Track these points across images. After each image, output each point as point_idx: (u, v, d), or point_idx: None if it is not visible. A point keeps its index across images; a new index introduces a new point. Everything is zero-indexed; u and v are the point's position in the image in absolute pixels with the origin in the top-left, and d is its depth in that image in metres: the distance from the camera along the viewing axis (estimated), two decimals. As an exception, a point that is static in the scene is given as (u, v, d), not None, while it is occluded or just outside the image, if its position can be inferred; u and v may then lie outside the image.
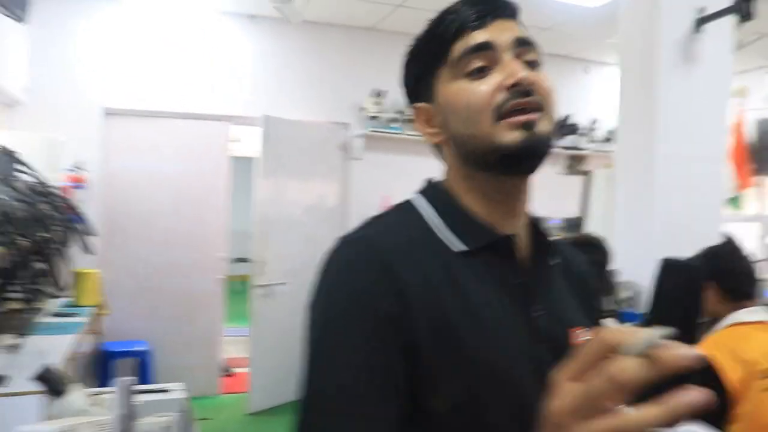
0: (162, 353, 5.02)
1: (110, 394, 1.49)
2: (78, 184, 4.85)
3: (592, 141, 6.64)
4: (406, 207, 0.95)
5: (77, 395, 1.39)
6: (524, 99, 0.84)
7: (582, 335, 0.90)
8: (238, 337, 6.65)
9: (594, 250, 1.89)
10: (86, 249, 4.29)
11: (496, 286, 0.87)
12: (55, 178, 4.20)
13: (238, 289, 10.33)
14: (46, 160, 4.30)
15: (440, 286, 0.83)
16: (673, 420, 0.47)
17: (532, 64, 0.89)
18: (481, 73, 0.87)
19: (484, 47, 0.87)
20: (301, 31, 5.56)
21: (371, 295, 0.80)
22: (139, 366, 4.61)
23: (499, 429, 0.81)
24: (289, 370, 5.21)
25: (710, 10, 3.17)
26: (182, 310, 5.26)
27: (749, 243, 6.09)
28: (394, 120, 5.76)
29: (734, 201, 6.44)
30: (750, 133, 6.52)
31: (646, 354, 0.47)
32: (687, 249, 2.42)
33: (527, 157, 0.85)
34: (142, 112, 5.22)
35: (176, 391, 1.67)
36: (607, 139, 6.49)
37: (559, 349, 0.82)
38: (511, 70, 0.85)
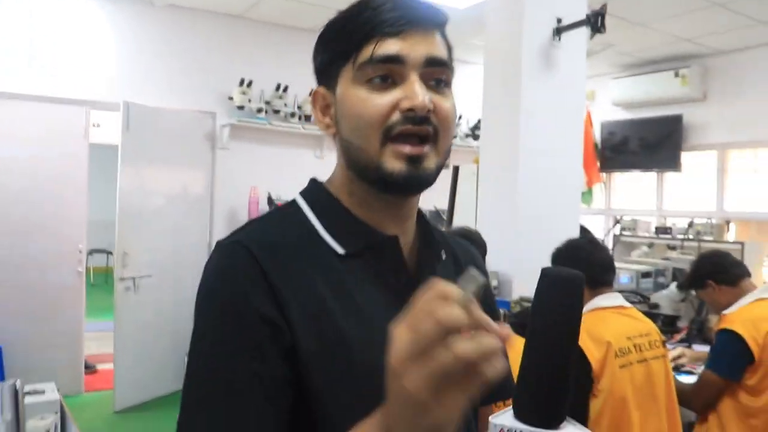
0: (19, 351, 4.68)
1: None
2: None
3: (455, 136, 6.92)
4: (290, 208, 0.93)
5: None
6: (416, 126, 0.82)
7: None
8: (101, 332, 6.32)
9: (472, 243, 2.00)
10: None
11: (380, 287, 0.87)
12: None
13: (100, 282, 9.82)
14: None
15: (322, 290, 0.82)
16: (487, 352, 0.54)
17: (440, 84, 0.87)
18: (383, 83, 0.84)
19: (393, 60, 0.83)
20: (167, 15, 5.38)
21: (246, 301, 0.78)
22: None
23: None
24: (156, 365, 5.06)
25: (567, 21, 3.42)
26: (40, 305, 4.91)
27: (598, 234, 6.64)
28: (261, 110, 5.70)
29: (584, 195, 6.94)
30: (596, 133, 7.06)
31: (466, 303, 0.55)
32: (547, 240, 2.61)
33: (406, 189, 0.86)
34: (-10, 92, 4.82)
35: (50, 392, 1.60)
36: (472, 135, 6.80)
37: None
38: (411, 92, 0.82)
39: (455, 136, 6.85)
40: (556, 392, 0.68)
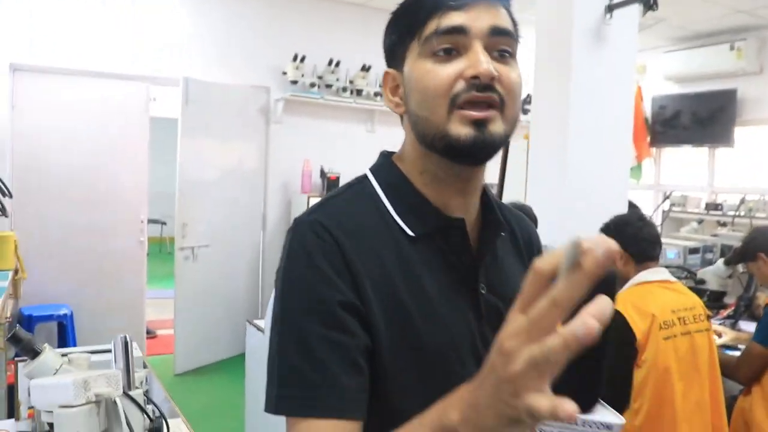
0: (84, 317, 4.96)
1: (77, 354, 1.57)
2: (-15, 143, 4.68)
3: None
4: (360, 186, 0.96)
5: (50, 355, 1.46)
6: (482, 93, 0.84)
7: None
8: (157, 299, 6.61)
9: (526, 217, 2.10)
10: (2, 211, 4.19)
11: (444, 267, 0.91)
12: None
13: (154, 251, 10.17)
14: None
15: (394, 273, 0.87)
16: (587, 334, 0.50)
17: (504, 54, 0.88)
18: (448, 55, 0.85)
19: (457, 30, 0.85)
20: (223, -8, 5.51)
21: (332, 284, 0.83)
22: (62, 330, 4.59)
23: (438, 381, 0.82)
24: (213, 331, 5.29)
25: (619, -3, 3.42)
26: (105, 272, 5.18)
27: (647, 210, 6.61)
28: (314, 85, 5.82)
29: (633, 171, 6.90)
30: (646, 108, 6.99)
31: (573, 267, 0.51)
32: (596, 215, 2.67)
33: (474, 154, 0.87)
34: (54, 69, 5.03)
35: (136, 350, 1.76)
36: (522, 110, 6.81)
37: (503, 322, 0.93)
38: (475, 60, 0.84)
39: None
40: (591, 379, 0.69)
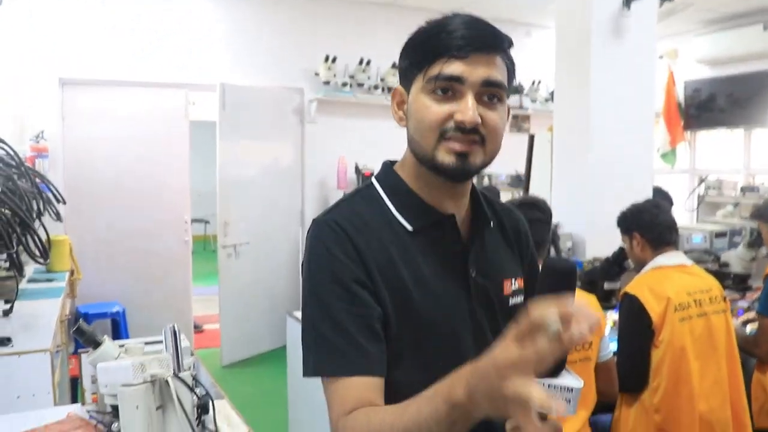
0: (135, 313, 5.23)
1: (133, 344, 1.76)
2: (40, 153, 4.96)
3: (535, 101, 7.00)
4: (367, 191, 1.15)
5: (110, 345, 1.65)
6: (465, 135, 1.02)
7: (510, 285, 1.18)
8: (203, 295, 6.88)
9: (537, 210, 2.22)
10: (57, 217, 4.46)
11: (440, 257, 1.10)
12: (20, 149, 4.31)
13: (198, 249, 10.48)
14: (11, 132, 4.42)
15: (396, 260, 1.05)
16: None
17: (492, 99, 1.04)
18: (444, 95, 1.02)
19: (455, 79, 1.01)
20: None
21: (344, 267, 1.02)
22: (115, 326, 4.85)
23: (442, 377, 0.90)
24: (257, 324, 5.52)
25: (638, -12, 3.50)
26: (152, 271, 5.47)
27: (682, 194, 6.61)
28: (346, 84, 6.00)
29: (667, 156, 6.90)
30: (680, 92, 6.96)
31: (557, 334, 0.67)
32: (619, 202, 2.77)
33: (454, 177, 1.07)
34: (99, 81, 5.31)
35: (184, 340, 1.95)
36: (551, 98, 6.86)
37: (491, 301, 1.14)
38: (465, 108, 1.00)
39: (534, 101, 6.96)
40: None
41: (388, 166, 1.18)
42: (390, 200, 1.12)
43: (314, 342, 1.03)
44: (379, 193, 1.14)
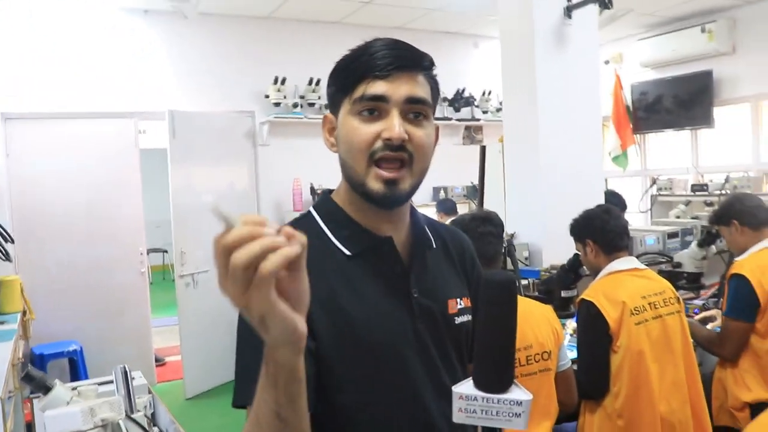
0: (93, 350, 5.09)
1: (86, 386, 1.71)
2: (-16, 192, 4.83)
3: (486, 111, 7.08)
4: (305, 220, 1.14)
5: (61, 390, 1.59)
6: (393, 153, 1.04)
7: (456, 305, 1.18)
8: (164, 327, 6.74)
9: (490, 224, 2.23)
10: (6, 256, 4.33)
11: (381, 280, 1.09)
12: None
13: (158, 280, 10.31)
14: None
15: (336, 287, 1.05)
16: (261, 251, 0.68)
17: (418, 116, 1.07)
18: (371, 116, 1.05)
19: (379, 98, 1.04)
20: (198, 24, 5.66)
21: None
22: (73, 365, 4.72)
23: (389, 396, 1.04)
24: (219, 353, 5.41)
25: (576, -2, 3.57)
26: (109, 305, 5.33)
27: (636, 195, 6.73)
28: (297, 105, 5.98)
29: (619, 159, 7.02)
30: (627, 95, 7.11)
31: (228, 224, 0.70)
32: (573, 209, 2.79)
33: (385, 204, 1.08)
34: (44, 114, 5.19)
35: (139, 378, 1.90)
36: (501, 109, 6.94)
37: (436, 320, 1.13)
38: (391, 125, 1.03)
39: (486, 112, 7.03)
40: (501, 366, 0.90)
41: (326, 194, 1.19)
42: (327, 227, 1.13)
43: (236, 371, 1.05)
44: (316, 220, 1.14)
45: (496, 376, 0.90)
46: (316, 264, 1.02)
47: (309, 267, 1.00)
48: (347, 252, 1.10)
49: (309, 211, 1.17)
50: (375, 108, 1.05)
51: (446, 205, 5.69)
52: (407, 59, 1.07)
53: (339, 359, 1.03)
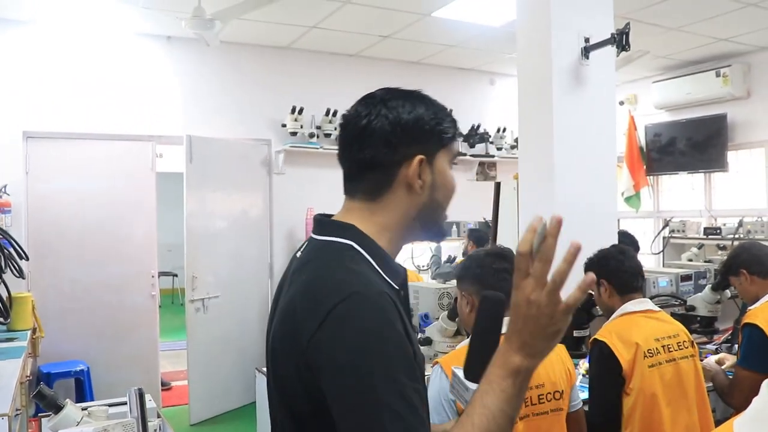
0: (100, 371, 5.09)
1: (96, 407, 1.71)
2: (2, 208, 4.87)
3: (500, 148, 7.11)
4: (351, 252, 1.12)
5: (72, 409, 1.60)
6: None
7: None
8: (171, 351, 6.73)
9: (505, 261, 2.22)
10: (19, 273, 4.36)
11: (408, 311, 1.18)
12: (-19, 204, 4.25)
13: (167, 303, 10.31)
14: (-28, 187, 4.34)
15: (402, 316, 1.07)
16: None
17: None
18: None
19: (460, 155, 1.27)
20: (219, 51, 5.73)
21: (406, 343, 1.04)
22: (79, 385, 4.72)
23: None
24: (226, 380, 5.40)
25: (595, 38, 3.60)
26: (118, 327, 5.34)
27: (648, 237, 6.71)
28: (313, 135, 6.03)
29: (631, 200, 7.02)
30: (641, 136, 7.14)
31: (542, 240, 0.98)
32: (586, 249, 2.78)
33: (444, 237, 1.31)
34: (64, 134, 5.27)
35: (149, 401, 1.90)
36: (515, 146, 6.97)
37: None
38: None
39: (500, 148, 7.08)
40: (488, 364, 1.07)
41: (353, 228, 1.16)
42: (374, 261, 1.12)
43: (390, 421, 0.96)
44: (364, 255, 1.13)
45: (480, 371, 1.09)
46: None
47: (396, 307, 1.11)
48: (396, 286, 1.13)
49: (350, 245, 1.14)
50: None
51: (476, 235, 5.65)
52: None
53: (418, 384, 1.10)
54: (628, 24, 3.38)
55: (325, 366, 1.00)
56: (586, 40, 3.60)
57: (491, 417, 0.97)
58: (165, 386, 5.97)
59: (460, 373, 1.21)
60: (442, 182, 1.19)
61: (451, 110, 1.24)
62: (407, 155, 1.15)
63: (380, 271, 1.11)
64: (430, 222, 1.21)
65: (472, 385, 1.12)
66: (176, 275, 10.83)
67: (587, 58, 3.63)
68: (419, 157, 1.15)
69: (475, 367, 1.12)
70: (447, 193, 1.21)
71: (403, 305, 1.13)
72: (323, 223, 1.21)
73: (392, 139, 1.15)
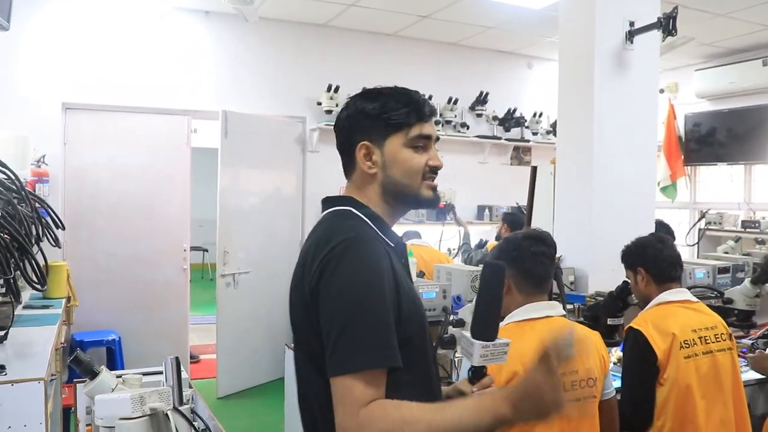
0: (131, 342, 5.18)
1: (130, 375, 1.72)
2: (41, 178, 4.94)
3: (536, 133, 7.03)
4: (350, 214, 1.40)
5: (107, 376, 1.62)
6: (434, 174, 1.46)
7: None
8: (200, 325, 6.81)
9: (543, 244, 2.18)
10: (56, 242, 4.42)
11: (405, 268, 1.44)
12: (21, 173, 4.30)
13: (196, 278, 10.43)
14: (13, 156, 4.40)
15: (394, 264, 1.35)
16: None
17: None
18: (420, 149, 1.42)
19: (428, 137, 1.43)
20: (257, 27, 5.73)
21: (388, 280, 1.28)
22: (110, 354, 4.80)
23: (426, 342, 1.43)
24: (254, 355, 5.45)
25: (640, 23, 3.52)
26: (149, 299, 5.42)
27: (682, 228, 6.59)
28: (349, 113, 6.00)
29: (667, 190, 6.90)
30: (680, 126, 6.99)
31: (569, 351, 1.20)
32: (621, 237, 2.74)
33: (435, 204, 1.49)
34: (102, 106, 5.33)
35: (183, 372, 1.91)
36: (553, 131, 6.88)
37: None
38: (434, 156, 1.45)
39: (536, 133, 7.00)
40: (489, 323, 1.39)
41: (352, 200, 1.44)
42: (373, 224, 1.40)
43: (361, 338, 1.21)
44: (364, 219, 1.39)
45: (487, 330, 1.39)
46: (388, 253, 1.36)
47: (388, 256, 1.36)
48: (391, 243, 1.41)
49: (347, 210, 1.41)
50: (423, 144, 1.43)
51: (511, 218, 5.54)
52: (434, 109, 1.51)
53: (409, 319, 1.32)
54: (675, 8, 3.29)
55: (323, 290, 1.26)
56: (631, 24, 3.53)
57: (458, 422, 1.18)
58: (193, 359, 6.05)
59: (467, 333, 1.40)
60: (393, 162, 1.41)
61: (423, 97, 1.46)
62: (354, 142, 1.43)
63: (376, 229, 1.39)
64: (398, 194, 1.43)
65: (477, 342, 1.37)
66: (206, 250, 10.94)
67: (631, 42, 3.55)
68: (362, 143, 1.42)
69: (479, 327, 1.38)
70: (401, 170, 1.41)
71: (399, 258, 1.40)
72: (327, 199, 1.50)
73: (344, 130, 1.47)
